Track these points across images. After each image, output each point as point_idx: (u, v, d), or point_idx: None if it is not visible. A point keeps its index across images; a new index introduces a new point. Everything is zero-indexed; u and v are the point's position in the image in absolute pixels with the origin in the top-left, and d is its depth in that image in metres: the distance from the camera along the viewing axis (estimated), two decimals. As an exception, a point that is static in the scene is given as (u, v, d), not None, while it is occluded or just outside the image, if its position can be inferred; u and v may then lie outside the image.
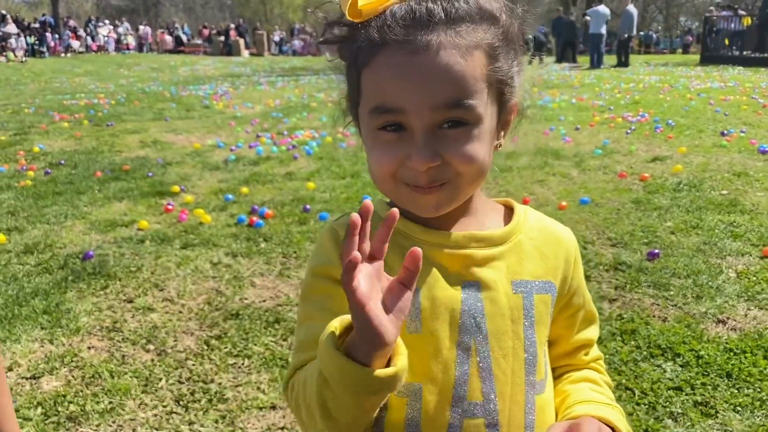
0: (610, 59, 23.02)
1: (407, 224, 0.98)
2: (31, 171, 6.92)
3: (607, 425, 0.95)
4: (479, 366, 0.95)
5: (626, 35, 21.83)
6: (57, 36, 33.32)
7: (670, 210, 4.98)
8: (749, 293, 3.55)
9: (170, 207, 5.37)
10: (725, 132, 8.05)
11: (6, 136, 9.13)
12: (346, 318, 0.83)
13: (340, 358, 0.78)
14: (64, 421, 2.59)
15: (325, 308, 0.96)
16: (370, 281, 0.78)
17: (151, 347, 3.16)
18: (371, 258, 0.80)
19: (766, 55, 21.17)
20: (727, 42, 23.61)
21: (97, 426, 2.57)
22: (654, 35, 39.62)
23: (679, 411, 2.56)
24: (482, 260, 0.97)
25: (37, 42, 30.85)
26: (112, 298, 3.69)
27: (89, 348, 3.17)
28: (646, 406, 2.59)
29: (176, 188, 5.99)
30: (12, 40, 28.43)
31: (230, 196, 5.68)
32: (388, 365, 0.80)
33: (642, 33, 38.28)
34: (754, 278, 3.74)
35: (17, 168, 7.11)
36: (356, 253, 0.75)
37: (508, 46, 0.93)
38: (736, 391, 2.69)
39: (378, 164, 0.92)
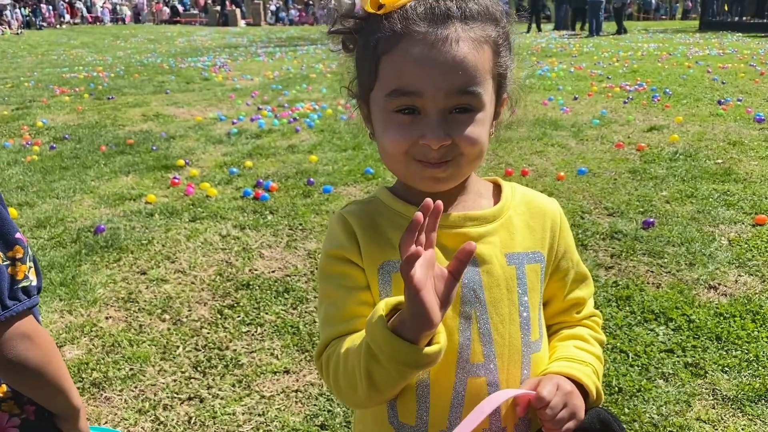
0: (609, 26, 22.97)
1: (408, 207, 1.10)
2: (36, 146, 7.02)
3: (573, 380, 1.08)
4: (480, 332, 1.07)
5: (621, 3, 21.73)
6: (51, 7, 33.08)
7: (666, 179, 5.10)
8: (740, 260, 3.69)
9: (176, 180, 5.48)
10: (722, 101, 8.14)
11: (8, 111, 9.21)
12: (390, 300, 0.95)
13: (393, 338, 0.90)
14: (89, 387, 2.74)
15: (342, 286, 1.09)
16: (425, 270, 0.89)
17: (167, 317, 3.30)
18: (426, 246, 0.91)
19: (765, 21, 21.11)
20: (726, 7, 23.52)
21: (120, 391, 2.72)
22: (653, 1, 39.31)
23: (671, 372, 2.72)
24: (477, 237, 1.09)
25: (31, 14, 30.64)
26: (126, 270, 3.82)
27: (107, 318, 3.31)
28: (639, 368, 2.75)
29: (181, 162, 6.10)
30: (7, 12, 28.24)
31: (235, 170, 5.79)
32: (430, 343, 0.93)
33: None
34: (746, 245, 3.88)
35: (22, 143, 7.20)
36: (416, 248, 0.87)
37: (507, 44, 1.06)
38: (725, 352, 2.84)
39: (393, 142, 1.02)
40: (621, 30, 21.57)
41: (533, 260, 1.13)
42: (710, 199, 4.62)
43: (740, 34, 19.65)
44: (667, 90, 8.98)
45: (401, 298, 0.93)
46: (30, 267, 1.13)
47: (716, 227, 4.15)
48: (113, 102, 9.84)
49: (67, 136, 7.44)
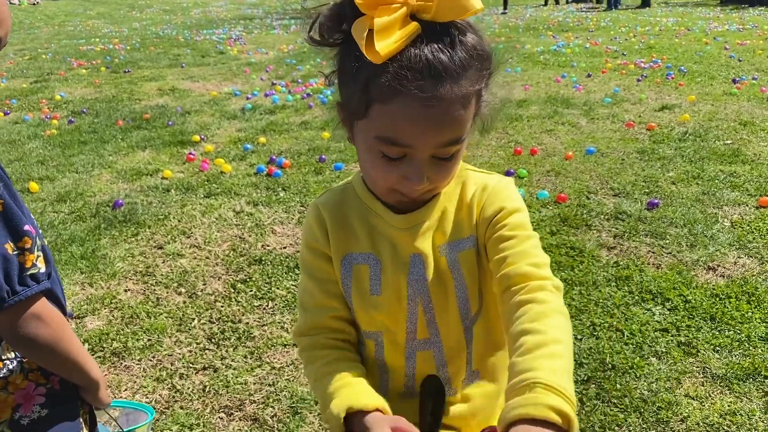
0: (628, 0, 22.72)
1: (377, 205, 1.20)
2: (55, 120, 7.18)
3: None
4: (425, 318, 1.21)
5: None
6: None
7: (673, 160, 5.17)
8: (741, 242, 3.79)
9: (192, 156, 5.63)
10: (737, 79, 8.13)
11: (27, 84, 9.37)
12: (353, 405, 1.04)
13: None
14: (110, 356, 2.91)
15: (315, 277, 1.24)
16: None
17: (183, 290, 3.46)
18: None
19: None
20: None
21: (139, 360, 2.88)
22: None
23: (663, 350, 2.84)
24: (420, 234, 1.19)
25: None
26: (144, 245, 3.98)
27: (126, 291, 3.47)
28: (633, 346, 2.87)
29: (196, 137, 6.23)
30: (23, -18, 28.34)
31: (248, 146, 5.92)
32: None
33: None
34: (748, 227, 3.97)
35: (41, 116, 7.37)
36: None
37: (488, 81, 1.08)
38: (717, 332, 2.96)
39: (380, 178, 1.10)
40: (646, 2, 21.28)
41: (465, 247, 1.18)
42: (716, 181, 4.69)
43: (763, 7, 19.38)
44: (682, 68, 8.97)
45: (363, 403, 1.03)
46: (38, 256, 1.24)
47: (720, 209, 4.24)
48: (129, 75, 9.97)
49: (84, 110, 7.60)
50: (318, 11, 1.07)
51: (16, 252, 1.19)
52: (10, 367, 1.30)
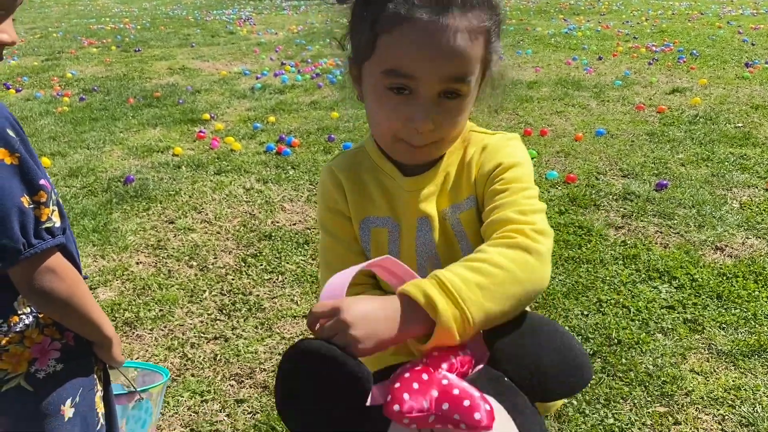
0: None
1: (391, 168, 1.21)
2: (66, 97, 7.22)
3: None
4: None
5: None
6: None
7: (683, 142, 5.17)
8: (749, 223, 3.80)
9: (202, 134, 5.66)
10: (750, 63, 8.09)
11: (38, 62, 9.41)
12: None
13: None
14: (122, 326, 2.96)
15: (337, 237, 1.25)
16: None
17: (194, 263, 3.51)
18: None
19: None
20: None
21: (151, 330, 2.93)
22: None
23: (669, 327, 2.87)
24: (426, 198, 1.20)
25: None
26: (155, 219, 4.03)
27: (137, 263, 3.52)
28: (639, 322, 2.90)
29: (206, 116, 6.26)
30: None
31: (258, 125, 5.95)
32: None
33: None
34: (757, 209, 3.98)
35: (53, 94, 7.41)
36: None
37: (498, 31, 1.11)
38: (724, 310, 2.98)
39: (385, 122, 1.09)
40: None
41: (466, 207, 1.18)
42: (726, 163, 4.70)
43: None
44: (695, 51, 8.92)
45: None
46: (53, 210, 1.25)
47: (729, 191, 4.25)
48: (140, 55, 9.99)
49: (95, 88, 7.63)
50: None
51: (32, 206, 1.21)
52: (26, 321, 1.33)
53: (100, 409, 1.49)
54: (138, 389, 1.77)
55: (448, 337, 0.84)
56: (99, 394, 1.48)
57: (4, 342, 1.30)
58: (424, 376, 0.79)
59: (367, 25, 1.05)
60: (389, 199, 1.22)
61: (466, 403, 0.77)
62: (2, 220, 1.16)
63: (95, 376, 1.47)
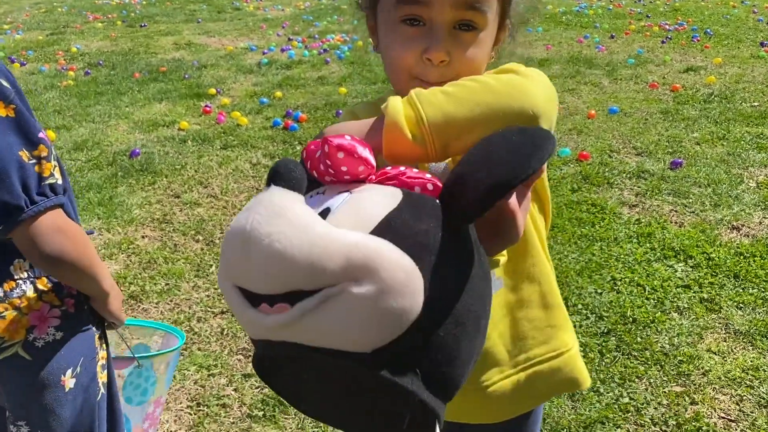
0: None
1: None
2: (71, 71, 7.16)
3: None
4: None
5: None
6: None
7: (698, 121, 5.09)
8: (766, 202, 3.73)
9: (208, 109, 5.60)
10: (765, 42, 7.96)
11: (43, 36, 9.33)
12: None
13: None
14: (127, 299, 2.92)
15: None
16: None
17: (200, 238, 3.46)
18: None
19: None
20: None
21: (157, 304, 2.89)
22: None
23: (686, 306, 2.81)
24: None
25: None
26: (161, 193, 3.98)
27: (143, 237, 3.48)
28: (655, 301, 2.85)
29: (213, 91, 6.20)
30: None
31: (265, 100, 5.88)
32: None
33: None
34: (773, 188, 3.91)
35: (57, 68, 7.34)
36: None
37: None
38: (741, 290, 2.92)
39: (398, 58, 1.04)
40: None
41: None
42: (742, 142, 4.61)
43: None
44: (708, 30, 8.78)
45: None
46: (55, 165, 1.20)
47: (745, 170, 4.17)
48: (146, 30, 9.90)
49: (101, 62, 7.56)
50: None
51: (32, 161, 1.16)
52: (23, 287, 1.27)
53: (102, 378, 1.44)
54: (136, 355, 1.70)
55: (398, 134, 0.78)
56: (101, 363, 1.44)
57: (1, 309, 1.25)
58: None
59: None
60: None
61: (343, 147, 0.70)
62: (3, 175, 1.11)
63: (97, 345, 1.42)
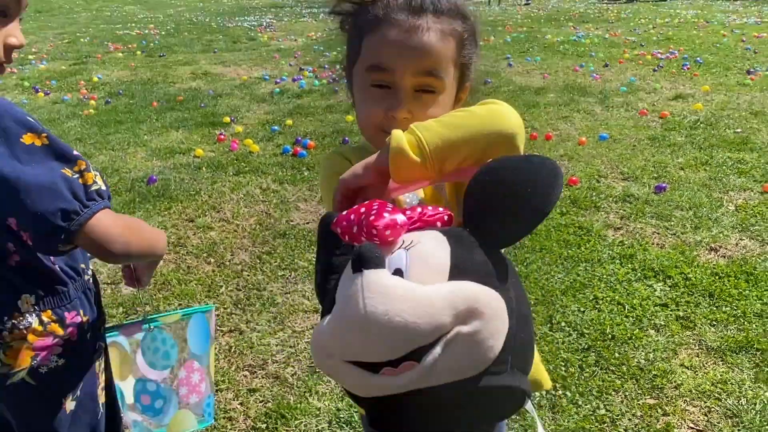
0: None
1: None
2: (93, 100, 7.35)
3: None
4: None
5: None
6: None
7: (683, 147, 5.20)
8: (744, 225, 3.83)
9: (222, 137, 5.75)
10: (751, 70, 8.08)
11: (66, 66, 9.56)
12: None
13: None
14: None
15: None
16: None
17: (212, 260, 3.59)
18: None
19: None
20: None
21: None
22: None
23: (662, 323, 2.91)
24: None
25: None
26: (176, 218, 4.12)
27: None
28: (633, 319, 2.95)
29: (227, 119, 6.36)
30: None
31: (276, 128, 6.04)
32: None
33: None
34: (751, 211, 4.00)
35: (79, 97, 7.54)
36: None
37: (473, 39, 1.19)
38: (715, 308, 3.02)
39: (368, 114, 1.17)
40: None
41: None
42: (723, 167, 4.72)
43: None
44: (699, 59, 8.92)
45: None
46: (96, 174, 1.25)
47: (726, 194, 4.27)
48: (164, 60, 10.12)
49: (121, 91, 7.76)
50: None
51: (75, 175, 1.21)
52: (29, 319, 1.33)
53: (102, 399, 1.50)
54: (146, 317, 1.67)
55: (403, 157, 0.92)
56: (101, 386, 1.50)
57: (8, 339, 1.31)
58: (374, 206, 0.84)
59: (356, 32, 1.16)
60: None
61: (374, 209, 0.81)
62: (52, 190, 1.17)
63: (97, 370, 1.48)
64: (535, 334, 1.16)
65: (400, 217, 0.80)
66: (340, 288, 0.77)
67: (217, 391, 2.56)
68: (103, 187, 1.25)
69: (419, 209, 0.86)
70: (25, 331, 1.32)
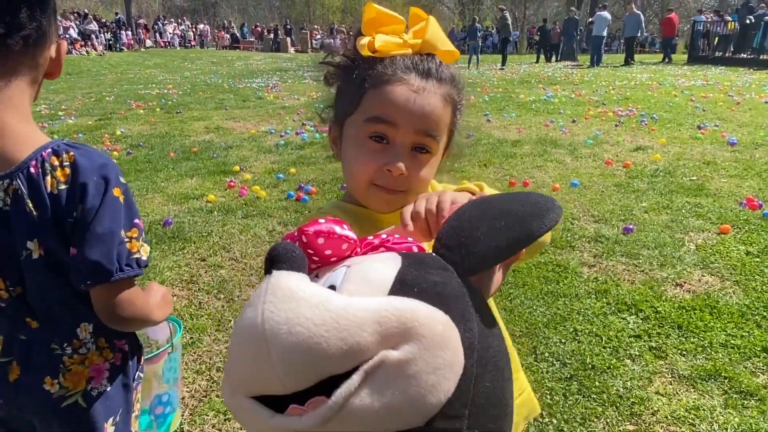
0: (608, 59, 22.80)
1: (363, 211, 1.13)
2: (116, 151, 7.27)
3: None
4: None
5: (631, 34, 21.23)
6: (129, 32, 33.65)
7: (646, 193, 5.17)
8: (704, 262, 3.76)
9: (232, 184, 5.68)
10: (701, 126, 8.13)
11: (93, 121, 9.51)
12: None
13: None
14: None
15: None
16: None
17: (222, 296, 3.48)
18: None
19: (745, 56, 20.83)
20: (716, 41, 23.13)
21: (182, 355, 2.89)
22: (649, 36, 38.78)
23: (637, 353, 2.82)
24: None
25: (112, 38, 31.23)
26: (189, 257, 4.01)
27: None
28: (611, 349, 2.85)
29: (237, 168, 6.29)
30: (93, 36, 28.88)
31: (281, 175, 5.97)
32: None
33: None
34: (710, 250, 3.94)
35: (104, 148, 7.46)
36: None
37: (461, 108, 1.13)
38: (684, 339, 2.93)
39: (363, 166, 1.06)
40: (629, 60, 21.04)
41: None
42: (683, 210, 4.68)
43: (723, 67, 19.40)
44: (655, 115, 8.98)
45: None
46: (142, 245, 1.26)
47: (686, 234, 4.22)
48: (181, 116, 10.09)
49: (141, 143, 7.69)
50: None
51: (126, 239, 1.23)
52: (88, 345, 1.31)
53: (134, 427, 1.45)
54: (166, 346, 1.77)
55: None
56: (135, 414, 1.45)
57: (68, 363, 1.29)
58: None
59: (354, 86, 1.07)
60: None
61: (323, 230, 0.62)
62: (107, 243, 1.18)
63: (134, 398, 1.44)
64: (512, 395, 0.81)
65: (339, 229, 0.63)
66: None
67: (225, 420, 2.44)
68: (144, 257, 1.26)
69: (384, 235, 0.67)
70: (83, 357, 1.31)
